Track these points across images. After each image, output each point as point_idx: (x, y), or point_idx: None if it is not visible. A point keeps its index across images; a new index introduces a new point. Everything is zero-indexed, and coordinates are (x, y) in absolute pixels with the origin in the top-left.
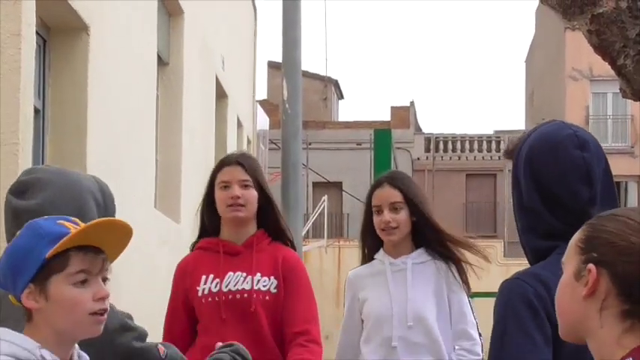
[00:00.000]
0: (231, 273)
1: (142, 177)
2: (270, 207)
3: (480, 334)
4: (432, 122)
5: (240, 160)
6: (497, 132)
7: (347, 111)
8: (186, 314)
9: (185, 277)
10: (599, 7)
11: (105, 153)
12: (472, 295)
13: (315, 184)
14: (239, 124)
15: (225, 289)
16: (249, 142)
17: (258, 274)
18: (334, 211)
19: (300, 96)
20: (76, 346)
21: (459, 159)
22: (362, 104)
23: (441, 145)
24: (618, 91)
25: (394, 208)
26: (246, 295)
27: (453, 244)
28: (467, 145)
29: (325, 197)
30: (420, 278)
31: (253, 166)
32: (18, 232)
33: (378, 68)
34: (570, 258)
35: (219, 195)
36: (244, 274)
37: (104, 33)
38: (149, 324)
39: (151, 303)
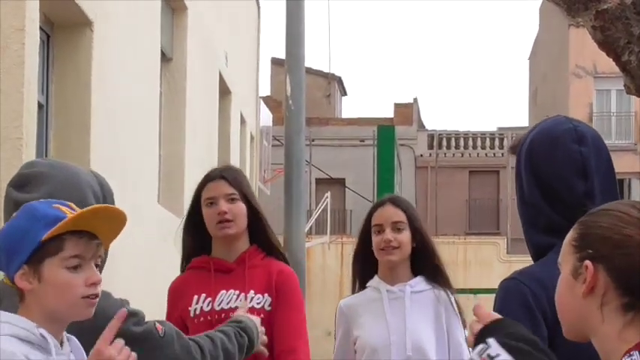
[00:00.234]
0: (223, 291)
1: (145, 172)
2: (259, 221)
3: None
4: (436, 119)
5: (224, 174)
6: (500, 129)
7: (350, 108)
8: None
9: (177, 299)
10: (603, 4)
11: (108, 148)
12: (475, 292)
13: (319, 181)
14: (242, 121)
15: (217, 308)
16: (252, 138)
17: (252, 292)
18: (337, 207)
19: (303, 92)
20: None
21: (462, 156)
22: (365, 101)
23: (444, 142)
24: (622, 88)
25: (397, 228)
26: None
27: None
28: (470, 142)
29: (328, 194)
30: (418, 307)
31: (238, 179)
32: (14, 214)
33: (382, 65)
34: (566, 257)
35: (206, 213)
36: (237, 292)
37: (108, 29)
38: (150, 319)
39: (152, 296)
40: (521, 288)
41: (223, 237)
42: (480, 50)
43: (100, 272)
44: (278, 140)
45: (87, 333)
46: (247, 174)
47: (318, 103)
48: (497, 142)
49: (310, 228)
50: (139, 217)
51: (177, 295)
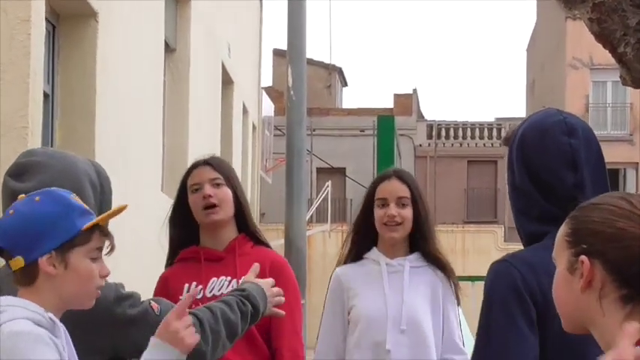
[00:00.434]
0: (214, 279)
1: (149, 161)
2: (244, 207)
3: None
4: (435, 109)
5: (208, 161)
6: (498, 119)
7: (351, 98)
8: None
9: (167, 287)
10: None
11: (113, 137)
12: (473, 279)
13: (319, 170)
14: (244, 111)
15: (209, 295)
16: (254, 128)
17: (243, 278)
18: (338, 196)
19: (304, 83)
20: None
21: (461, 146)
22: (365, 92)
23: (443, 132)
24: (618, 79)
25: (401, 203)
26: None
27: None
28: (468, 133)
29: (329, 183)
30: (416, 282)
31: (223, 165)
32: (37, 198)
33: (382, 56)
34: (560, 253)
35: (191, 199)
36: (229, 279)
37: (112, 20)
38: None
39: (154, 283)
40: (511, 271)
41: (210, 223)
42: (478, 42)
43: None
44: (280, 130)
45: (86, 319)
46: (249, 163)
47: (319, 94)
48: (495, 133)
49: (311, 216)
50: (143, 204)
51: (168, 283)
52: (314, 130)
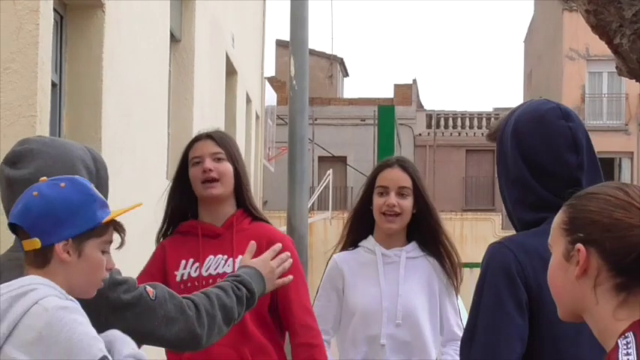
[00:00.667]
0: (211, 256)
1: (155, 149)
2: (244, 183)
3: None
4: (434, 99)
5: (211, 134)
6: (496, 109)
7: (352, 88)
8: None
9: (164, 258)
10: None
11: (119, 125)
12: (471, 266)
13: (321, 159)
14: (248, 100)
15: (205, 274)
16: (257, 117)
17: (240, 257)
18: (339, 184)
19: (306, 73)
20: None
21: (459, 135)
22: (366, 82)
23: (442, 122)
24: (614, 70)
25: (401, 193)
26: None
27: (447, 243)
28: (467, 122)
29: (330, 171)
30: (412, 274)
31: (225, 139)
32: (62, 184)
33: (382, 47)
34: (556, 240)
35: (192, 172)
36: (225, 257)
37: (119, 10)
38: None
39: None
40: (506, 253)
41: (209, 198)
42: (477, 33)
43: None
44: (282, 119)
45: (82, 304)
46: (252, 152)
47: (321, 84)
48: (492, 122)
49: (313, 204)
50: (148, 191)
51: (164, 255)
52: (316, 120)
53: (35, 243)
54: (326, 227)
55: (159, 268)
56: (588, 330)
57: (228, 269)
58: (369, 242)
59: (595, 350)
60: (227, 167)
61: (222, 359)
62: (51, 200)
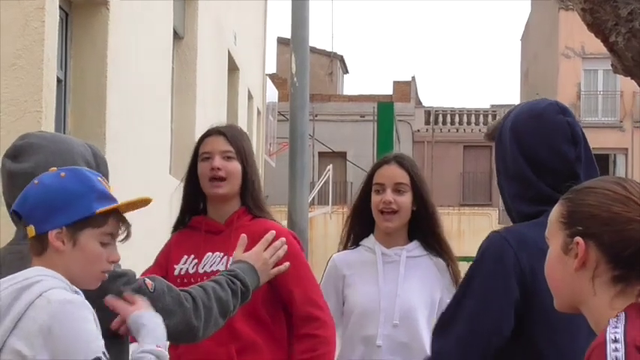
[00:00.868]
0: (209, 253)
1: (158, 144)
2: (252, 183)
3: None
4: (432, 96)
5: (222, 130)
6: (493, 106)
7: (351, 85)
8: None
9: (170, 252)
10: None
11: (123, 121)
12: (468, 259)
13: (321, 154)
14: (249, 96)
15: (201, 271)
16: (259, 113)
17: (234, 254)
18: (339, 179)
19: (307, 70)
20: None
21: (457, 131)
22: (366, 79)
23: (440, 118)
24: (609, 68)
25: (398, 189)
26: None
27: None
28: (465, 119)
29: (330, 166)
30: (412, 273)
31: (237, 137)
32: (62, 174)
33: (382, 45)
34: (554, 233)
35: (200, 168)
36: (221, 255)
37: (123, 9)
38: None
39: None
40: (503, 244)
41: (214, 196)
42: (474, 32)
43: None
44: (283, 115)
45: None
46: (254, 147)
47: (321, 81)
48: (490, 119)
49: (313, 199)
50: (152, 187)
51: (170, 250)
52: (316, 116)
53: (31, 230)
54: (326, 221)
55: (167, 260)
56: (583, 319)
57: (222, 267)
58: (370, 241)
59: (591, 339)
60: (235, 167)
61: (209, 358)
62: (48, 188)
